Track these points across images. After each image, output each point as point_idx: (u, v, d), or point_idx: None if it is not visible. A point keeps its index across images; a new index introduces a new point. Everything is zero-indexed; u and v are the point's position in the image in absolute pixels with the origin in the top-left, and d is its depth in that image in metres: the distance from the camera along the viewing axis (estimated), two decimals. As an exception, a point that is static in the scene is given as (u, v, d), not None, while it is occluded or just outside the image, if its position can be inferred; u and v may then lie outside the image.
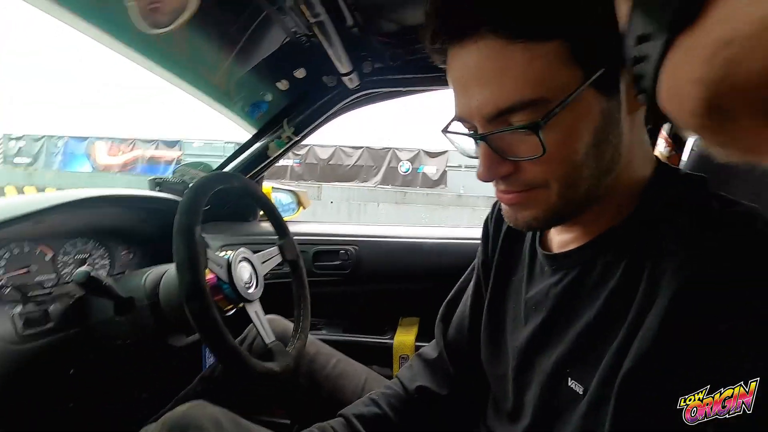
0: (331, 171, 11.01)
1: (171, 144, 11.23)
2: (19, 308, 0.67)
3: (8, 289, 0.72)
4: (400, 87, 1.01)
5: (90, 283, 0.68)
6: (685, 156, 0.76)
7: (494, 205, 0.65)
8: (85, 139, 11.53)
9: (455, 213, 9.13)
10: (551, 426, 0.44)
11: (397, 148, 11.08)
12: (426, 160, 10.86)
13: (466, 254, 1.13)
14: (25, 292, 0.73)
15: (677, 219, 0.38)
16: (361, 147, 11.15)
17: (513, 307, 0.55)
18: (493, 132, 0.39)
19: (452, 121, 0.44)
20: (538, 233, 0.54)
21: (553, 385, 0.44)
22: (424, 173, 10.82)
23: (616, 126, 0.39)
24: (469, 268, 0.69)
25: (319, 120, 1.07)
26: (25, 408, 0.70)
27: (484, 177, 0.41)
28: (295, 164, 10.98)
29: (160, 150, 11.25)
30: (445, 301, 0.70)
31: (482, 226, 0.66)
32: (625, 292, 0.39)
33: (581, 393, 0.40)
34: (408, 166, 10.88)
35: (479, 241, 0.66)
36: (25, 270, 0.77)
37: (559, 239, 0.50)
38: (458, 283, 0.70)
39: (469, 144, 0.45)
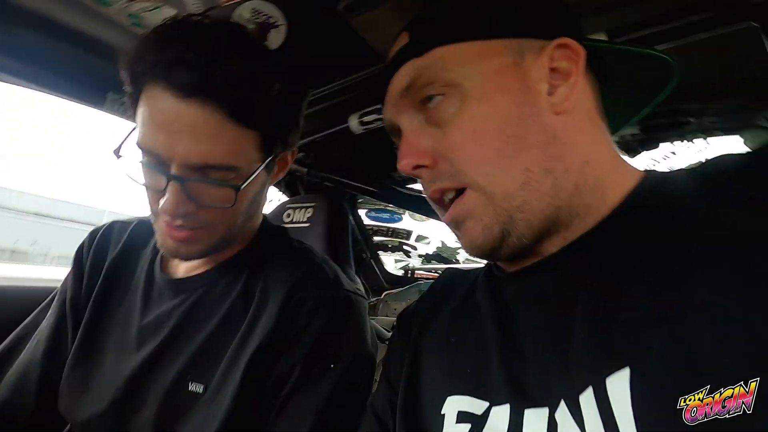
0: None
1: None
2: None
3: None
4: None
5: None
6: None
7: (91, 234, 0.62)
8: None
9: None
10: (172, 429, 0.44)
11: None
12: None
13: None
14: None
15: (280, 250, 0.57)
16: None
17: (117, 338, 0.53)
18: (194, 179, 0.44)
19: (126, 142, 0.46)
20: (158, 261, 0.57)
21: (173, 392, 0.45)
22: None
23: (263, 192, 0.56)
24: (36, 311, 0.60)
25: None
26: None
27: (171, 213, 0.45)
28: None
29: None
30: None
31: (72, 260, 0.60)
32: (243, 300, 0.50)
33: (201, 392, 0.45)
34: None
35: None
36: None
37: (186, 266, 0.56)
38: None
39: (140, 171, 0.47)
